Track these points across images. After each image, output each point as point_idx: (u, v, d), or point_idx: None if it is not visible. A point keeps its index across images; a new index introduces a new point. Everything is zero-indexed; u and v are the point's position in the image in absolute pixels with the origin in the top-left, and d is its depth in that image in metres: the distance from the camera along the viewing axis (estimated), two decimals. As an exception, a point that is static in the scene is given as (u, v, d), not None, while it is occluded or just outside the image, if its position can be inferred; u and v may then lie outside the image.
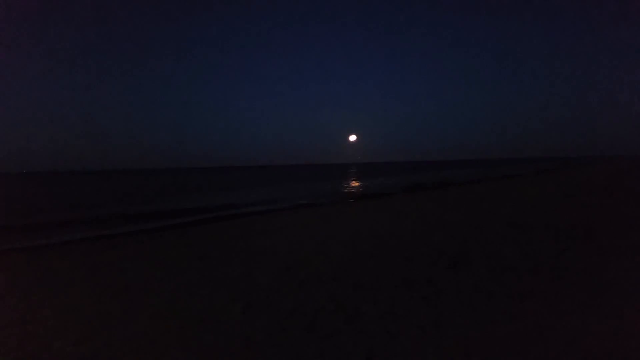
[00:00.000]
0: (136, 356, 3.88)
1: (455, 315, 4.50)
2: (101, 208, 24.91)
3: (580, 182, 23.68)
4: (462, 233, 9.05)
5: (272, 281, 6.16)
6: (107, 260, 8.47)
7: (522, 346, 3.68)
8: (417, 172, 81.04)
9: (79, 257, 8.98)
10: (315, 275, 6.32)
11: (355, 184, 46.99)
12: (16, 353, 4.06)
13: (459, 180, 42.99)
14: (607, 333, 3.81)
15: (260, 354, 3.83)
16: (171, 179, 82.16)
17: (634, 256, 6.30)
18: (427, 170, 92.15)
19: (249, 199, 28.00)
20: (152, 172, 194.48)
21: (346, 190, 36.00)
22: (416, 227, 10.28)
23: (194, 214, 20.05)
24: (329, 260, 7.21)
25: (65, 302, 5.66)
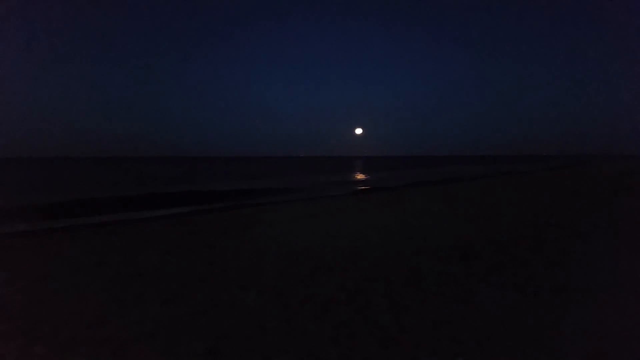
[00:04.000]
0: (149, 341, 3.91)
1: (466, 307, 4.50)
2: (110, 193, 25.01)
3: (594, 179, 23.49)
4: (472, 227, 9.04)
5: (282, 270, 6.18)
6: (118, 246, 8.51)
7: (534, 339, 3.69)
8: (424, 166, 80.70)
9: (88, 243, 9.02)
10: (325, 266, 6.34)
11: (362, 176, 46.92)
12: (30, 336, 4.10)
13: (466, 176, 42.74)
14: (622, 329, 3.81)
15: (275, 340, 3.85)
16: (177, 167, 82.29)
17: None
18: (434, 165, 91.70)
19: (256, 189, 27.98)
20: (157, 159, 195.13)
21: (354, 183, 35.96)
22: (424, 221, 10.26)
23: (202, 202, 20.07)
24: (338, 251, 7.21)
25: (77, 286, 5.69)
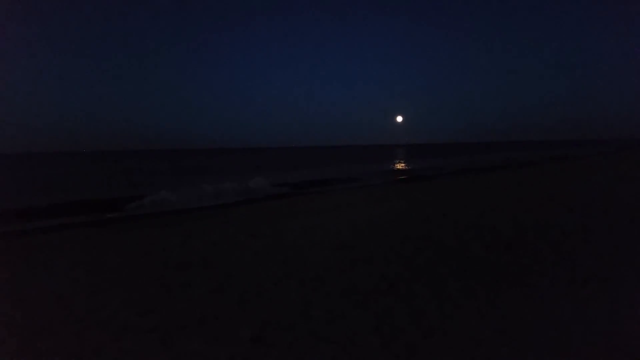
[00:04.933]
0: (198, 327, 4.03)
1: (511, 297, 4.35)
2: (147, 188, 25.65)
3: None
4: (515, 217, 8.69)
5: (324, 260, 6.17)
6: (165, 236, 8.82)
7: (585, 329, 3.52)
8: (465, 154, 78.57)
9: (130, 234, 9.41)
10: (367, 255, 6.26)
11: (403, 165, 46.33)
12: (84, 323, 4.33)
13: (508, 163, 41.08)
14: None
15: (319, 328, 3.85)
16: (212, 158, 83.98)
17: None
18: (476, 152, 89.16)
19: (297, 180, 28.14)
20: (196, 152, 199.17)
21: (394, 172, 35.61)
22: (467, 210, 9.93)
23: (242, 193, 20.35)
24: (380, 241, 7.11)
25: (129, 275, 5.98)
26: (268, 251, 6.90)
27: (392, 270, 5.48)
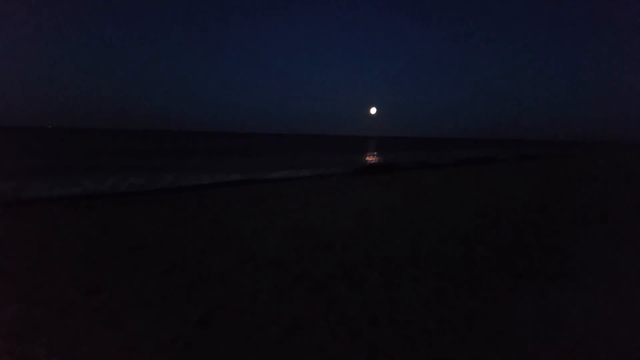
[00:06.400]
0: (145, 308, 3.98)
1: (461, 288, 4.48)
2: (110, 165, 25.31)
3: (597, 168, 23.09)
4: (475, 210, 8.95)
5: (282, 245, 6.20)
6: (121, 217, 8.62)
7: (526, 322, 3.67)
8: (434, 148, 79.83)
9: (91, 212, 9.16)
10: (325, 243, 6.33)
11: (372, 157, 46.67)
12: (29, 299, 4.20)
13: (473, 158, 42.25)
14: (613, 313, 3.78)
15: (266, 312, 3.88)
16: (182, 141, 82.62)
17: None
18: (444, 147, 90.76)
19: (262, 166, 27.98)
20: (160, 133, 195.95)
21: (363, 163, 35.89)
22: (429, 203, 10.17)
23: (207, 176, 20.10)
24: (340, 230, 7.19)
25: (78, 254, 5.80)
26: (227, 236, 6.84)
27: (348, 258, 5.56)
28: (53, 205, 10.72)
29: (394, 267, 5.19)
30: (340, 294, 4.32)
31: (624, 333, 3.43)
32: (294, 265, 5.28)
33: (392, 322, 3.71)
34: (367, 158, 44.19)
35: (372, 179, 19.08)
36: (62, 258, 5.64)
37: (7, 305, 4.05)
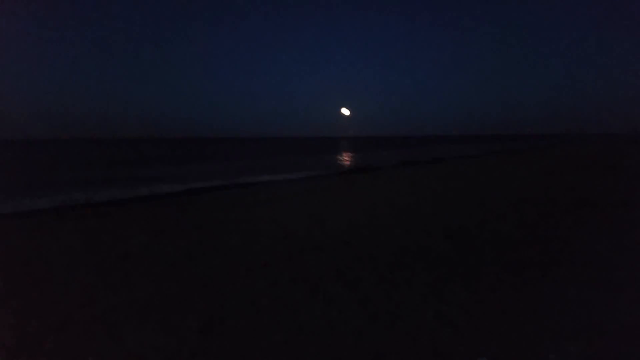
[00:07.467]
0: (139, 319, 3.95)
1: (452, 282, 4.62)
2: (93, 173, 24.95)
3: (576, 158, 23.84)
4: (458, 207, 9.17)
5: (271, 249, 6.24)
6: (105, 227, 8.47)
7: (518, 313, 3.81)
8: (412, 146, 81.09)
9: (75, 223, 8.97)
10: (314, 245, 6.41)
11: (349, 157, 46.95)
12: (22, 314, 4.10)
13: (453, 156, 43.13)
14: (602, 302, 3.96)
15: (268, 316, 3.92)
16: (162, 148, 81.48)
17: (631, 230, 6.46)
18: (422, 145, 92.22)
19: (242, 170, 27.90)
20: (141, 141, 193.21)
21: (341, 164, 36.06)
22: (411, 201, 10.40)
23: (188, 183, 19.97)
24: (327, 231, 7.29)
25: (67, 267, 5.67)
26: (213, 241, 6.83)
27: (339, 258, 5.66)
28: (33, 219, 10.46)
29: (384, 265, 5.32)
30: (337, 294, 4.41)
31: (619, 323, 3.59)
32: (286, 267, 5.33)
33: (392, 318, 3.81)
34: (347, 159, 44.44)
35: (354, 179, 19.24)
36: (49, 270, 5.51)
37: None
